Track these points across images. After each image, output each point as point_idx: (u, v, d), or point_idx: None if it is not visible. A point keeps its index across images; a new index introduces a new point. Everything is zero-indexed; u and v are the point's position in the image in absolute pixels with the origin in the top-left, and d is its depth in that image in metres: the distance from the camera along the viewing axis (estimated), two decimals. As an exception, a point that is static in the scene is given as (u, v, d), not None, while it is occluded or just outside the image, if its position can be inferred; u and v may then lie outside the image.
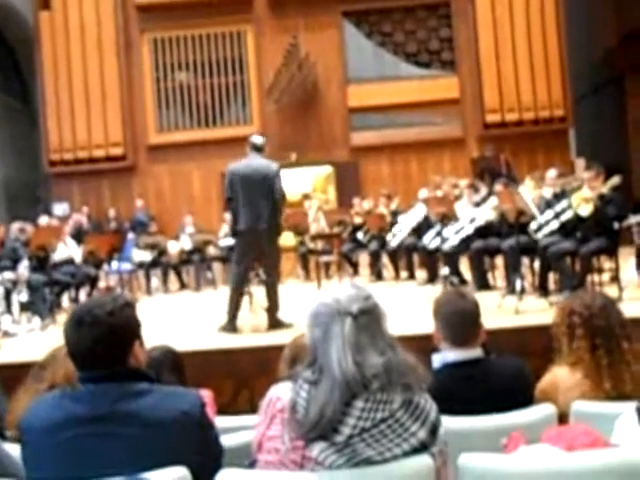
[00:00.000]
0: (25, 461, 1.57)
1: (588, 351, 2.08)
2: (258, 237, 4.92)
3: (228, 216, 6.71)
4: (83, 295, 7.57)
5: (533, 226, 5.27)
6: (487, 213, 6.21)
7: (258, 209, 4.88)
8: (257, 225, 4.87)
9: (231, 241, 6.51)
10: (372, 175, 11.43)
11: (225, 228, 8.85)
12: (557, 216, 5.20)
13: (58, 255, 7.01)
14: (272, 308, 5.04)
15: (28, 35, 12.14)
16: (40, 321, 6.09)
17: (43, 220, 8.48)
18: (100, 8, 11.53)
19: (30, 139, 12.90)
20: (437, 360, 2.09)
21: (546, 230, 5.20)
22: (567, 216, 5.16)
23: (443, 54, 11.76)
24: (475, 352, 2.07)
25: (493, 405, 1.92)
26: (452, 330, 2.06)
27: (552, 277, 5.65)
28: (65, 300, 7.38)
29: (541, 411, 1.97)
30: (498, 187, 6.61)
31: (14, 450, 1.71)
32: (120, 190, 11.62)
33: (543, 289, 5.46)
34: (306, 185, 11.50)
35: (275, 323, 4.97)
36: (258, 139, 5.14)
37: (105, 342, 1.53)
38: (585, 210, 5.00)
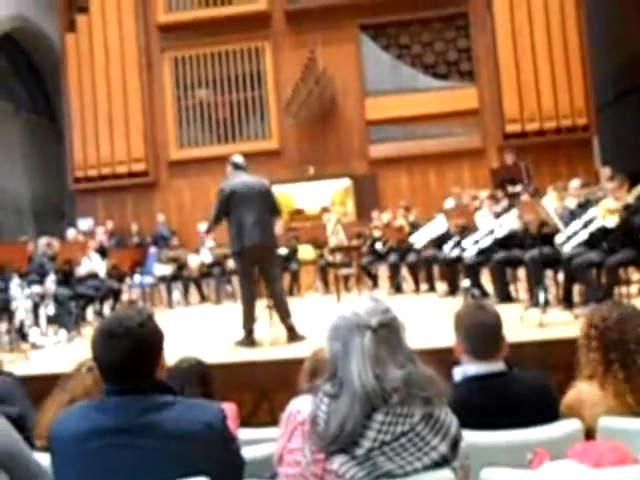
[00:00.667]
0: (54, 470, 1.61)
1: (602, 364, 2.04)
2: (263, 252, 5.01)
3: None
4: (107, 308, 7.68)
5: (559, 239, 5.17)
6: (511, 223, 6.14)
7: (262, 224, 4.98)
8: (262, 240, 4.96)
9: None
10: (391, 187, 11.42)
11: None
12: (583, 228, 5.10)
13: (82, 269, 7.13)
14: (284, 318, 5.05)
15: (55, 57, 12.49)
16: (66, 333, 6.22)
17: (70, 233, 8.66)
18: (123, 29, 11.82)
19: (56, 156, 13.20)
20: (458, 373, 2.06)
21: (573, 243, 5.09)
22: (593, 228, 5.06)
23: (461, 65, 11.76)
24: (497, 365, 2.04)
25: (515, 419, 1.89)
26: (473, 343, 2.04)
27: (576, 289, 5.56)
28: (90, 313, 7.49)
29: (567, 426, 1.93)
30: (523, 196, 6.54)
31: (43, 459, 1.75)
32: (142, 205, 11.79)
33: (567, 301, 5.36)
34: (325, 198, 11.54)
35: (293, 335, 4.98)
36: (239, 158, 5.29)
37: (136, 354, 1.55)
38: (611, 221, 4.92)
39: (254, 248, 4.97)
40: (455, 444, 1.50)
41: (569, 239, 5.12)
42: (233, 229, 5.06)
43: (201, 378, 2.46)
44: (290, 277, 9.34)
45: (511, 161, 8.84)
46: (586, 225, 5.09)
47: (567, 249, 5.12)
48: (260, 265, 5.09)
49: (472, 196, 7.84)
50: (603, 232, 5.06)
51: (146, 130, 11.71)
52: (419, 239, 7.84)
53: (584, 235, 5.06)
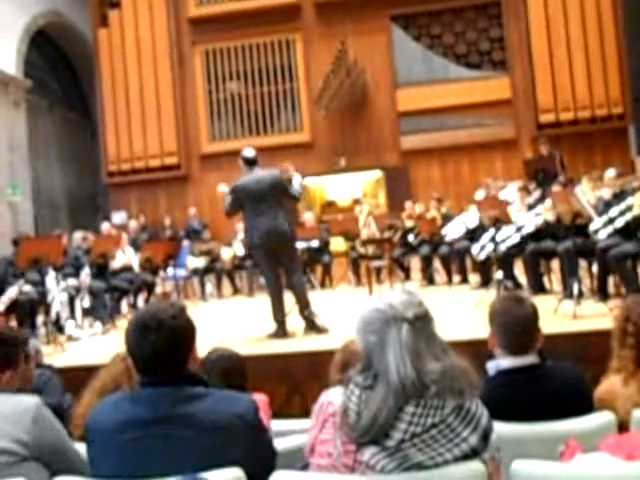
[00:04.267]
0: (90, 460, 1.66)
1: (633, 362, 2.00)
2: (278, 245, 5.01)
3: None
4: (141, 301, 7.83)
5: (594, 226, 5.06)
6: (545, 214, 6.04)
7: (274, 218, 4.97)
8: (276, 233, 4.95)
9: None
10: (422, 179, 11.34)
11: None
12: (620, 216, 4.98)
13: (117, 262, 7.28)
14: (302, 309, 5.07)
15: (87, 52, 12.73)
16: (101, 326, 6.35)
17: (105, 226, 8.84)
18: (154, 23, 11.96)
19: (90, 151, 13.49)
20: (492, 367, 2.05)
21: (608, 230, 4.97)
22: (628, 217, 4.95)
23: (494, 54, 11.56)
24: (530, 358, 2.01)
25: (548, 412, 1.88)
26: (508, 339, 2.00)
27: (611, 280, 5.46)
28: (124, 306, 7.64)
29: (599, 419, 1.91)
30: (555, 187, 6.43)
31: (81, 449, 1.81)
32: (175, 198, 11.96)
33: (602, 293, 5.27)
34: (356, 190, 11.52)
35: (311, 326, 5.01)
36: (249, 152, 5.25)
37: (169, 346, 1.58)
38: None
39: (267, 243, 4.99)
40: (486, 436, 1.50)
41: (605, 226, 5.00)
42: (247, 224, 5.14)
43: (234, 370, 2.49)
44: (322, 269, 9.37)
45: (546, 151, 8.69)
46: (622, 213, 4.97)
47: (602, 236, 5.00)
48: (278, 257, 5.09)
49: (500, 187, 7.75)
50: (639, 221, 4.94)
51: (178, 123, 11.85)
52: (450, 232, 7.77)
53: (620, 223, 4.94)
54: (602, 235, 4.99)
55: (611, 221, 4.96)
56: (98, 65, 12.05)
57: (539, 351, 2.05)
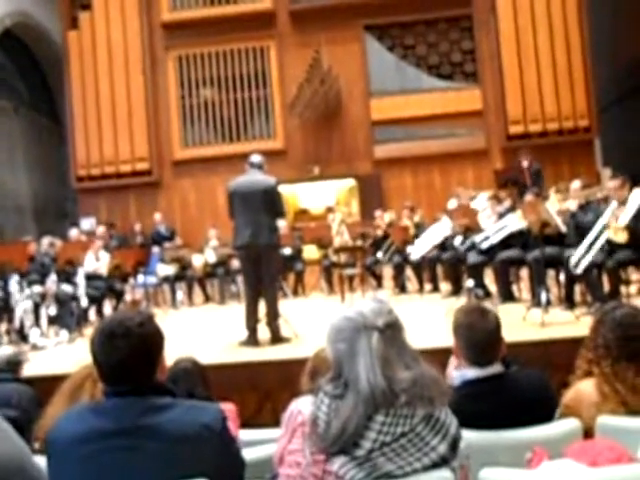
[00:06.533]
0: (50, 473, 1.59)
1: (609, 365, 2.04)
2: (257, 252, 4.98)
3: None
4: (109, 309, 7.69)
5: (573, 260, 5.02)
6: (517, 223, 6.13)
7: (257, 224, 4.93)
8: (256, 240, 4.93)
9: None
10: (395, 188, 11.42)
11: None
12: (593, 243, 5.03)
13: (85, 268, 7.13)
14: (269, 320, 5.05)
15: (57, 54, 12.50)
16: (68, 334, 6.20)
17: (73, 233, 8.66)
18: (126, 27, 11.83)
19: (58, 155, 13.24)
20: (457, 378, 2.07)
21: (587, 259, 5.00)
22: (603, 241, 5.00)
23: (465, 66, 11.75)
24: (495, 368, 2.04)
25: (514, 420, 1.90)
26: (473, 352, 2.03)
27: (578, 289, 5.57)
28: (92, 314, 7.50)
29: (565, 425, 1.94)
30: (528, 197, 6.52)
31: (41, 462, 1.74)
32: (146, 205, 11.80)
33: (569, 301, 5.38)
34: (329, 198, 11.54)
35: (276, 338, 4.99)
36: (256, 158, 5.23)
37: (137, 354, 1.55)
38: (621, 238, 4.92)
39: (246, 247, 4.99)
40: (455, 444, 1.50)
41: (584, 255, 5.00)
42: (235, 225, 5.11)
43: (201, 377, 2.47)
44: (295, 277, 9.34)
45: (527, 163, 8.66)
46: (595, 240, 5.02)
47: (579, 271, 5.01)
48: (258, 263, 5.07)
49: (471, 197, 7.86)
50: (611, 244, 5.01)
51: (150, 129, 11.72)
52: (417, 251, 7.73)
53: (595, 248, 4.98)
54: (582, 266, 4.99)
55: (588, 250, 5.00)
56: (68, 68, 11.85)
57: (503, 359, 2.08)
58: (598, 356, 2.06)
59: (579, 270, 4.98)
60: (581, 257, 4.98)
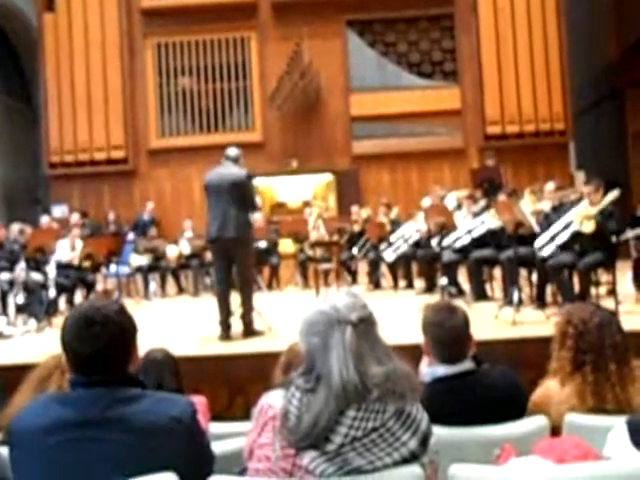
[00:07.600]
0: (12, 464, 1.54)
1: (571, 364, 2.07)
2: (225, 246, 4.93)
3: None
4: (79, 298, 7.56)
5: (538, 243, 5.21)
6: (490, 222, 6.21)
7: (225, 218, 4.88)
8: (224, 234, 4.88)
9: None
10: (373, 184, 11.45)
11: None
12: (562, 231, 5.15)
13: (57, 256, 7.00)
14: (243, 313, 5.03)
15: (31, 37, 12.21)
16: (36, 323, 6.08)
17: (44, 220, 8.49)
18: (104, 12, 11.60)
19: (30, 140, 12.95)
20: (427, 374, 2.08)
21: (551, 247, 5.13)
22: (570, 232, 5.13)
23: (445, 65, 11.81)
24: (465, 365, 2.05)
25: (484, 417, 1.92)
26: (443, 349, 2.04)
27: (549, 289, 5.66)
28: (62, 303, 7.36)
29: (533, 423, 1.97)
30: (501, 197, 6.61)
31: (4, 452, 1.70)
32: (121, 193, 11.64)
33: (540, 301, 5.46)
34: (307, 192, 11.53)
35: (248, 331, 4.97)
36: (233, 151, 5.19)
37: (116, 343, 1.51)
38: (588, 227, 5.01)
39: (215, 240, 4.96)
40: (425, 440, 1.51)
41: (549, 242, 5.16)
42: (208, 217, 5.06)
43: (173, 369, 2.44)
44: (270, 271, 9.31)
45: (492, 163, 8.94)
46: (564, 229, 5.16)
47: (546, 253, 5.16)
48: (230, 256, 5.01)
49: (440, 197, 7.93)
50: (577, 236, 5.14)
51: (126, 117, 11.54)
52: (390, 253, 7.74)
53: (562, 239, 5.12)
54: (546, 252, 5.14)
55: (553, 238, 5.13)
56: (42, 51, 11.58)
57: (474, 356, 2.09)
58: (571, 356, 2.09)
59: (544, 253, 5.10)
60: (545, 243, 5.10)
